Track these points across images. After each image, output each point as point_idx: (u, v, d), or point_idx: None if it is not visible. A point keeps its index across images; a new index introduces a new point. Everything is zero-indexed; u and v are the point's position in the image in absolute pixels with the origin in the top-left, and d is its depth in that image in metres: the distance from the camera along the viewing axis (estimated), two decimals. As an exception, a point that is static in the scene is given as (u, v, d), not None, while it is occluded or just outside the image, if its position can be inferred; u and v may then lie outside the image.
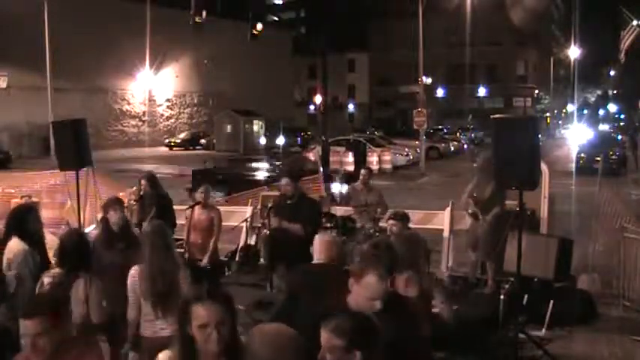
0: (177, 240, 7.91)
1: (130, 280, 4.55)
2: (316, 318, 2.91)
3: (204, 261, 7.25)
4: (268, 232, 7.85)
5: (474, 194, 8.40)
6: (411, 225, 7.09)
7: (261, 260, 9.49)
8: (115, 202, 5.82)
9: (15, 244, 4.96)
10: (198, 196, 7.46)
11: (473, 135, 46.60)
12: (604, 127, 63.99)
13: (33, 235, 5.06)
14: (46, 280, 4.31)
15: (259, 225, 10.25)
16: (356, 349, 2.63)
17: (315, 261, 4.62)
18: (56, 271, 4.36)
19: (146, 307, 4.50)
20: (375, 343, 2.74)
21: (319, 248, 4.62)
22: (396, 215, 6.87)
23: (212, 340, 2.55)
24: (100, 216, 10.85)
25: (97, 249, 5.65)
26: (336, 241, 4.77)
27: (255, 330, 2.76)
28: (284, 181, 7.26)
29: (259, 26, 19.48)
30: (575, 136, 45.32)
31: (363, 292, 3.01)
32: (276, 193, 10.02)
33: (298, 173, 7.75)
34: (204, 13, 17.92)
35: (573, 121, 64.49)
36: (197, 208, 7.44)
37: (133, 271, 4.57)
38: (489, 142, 7.44)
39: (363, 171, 9.55)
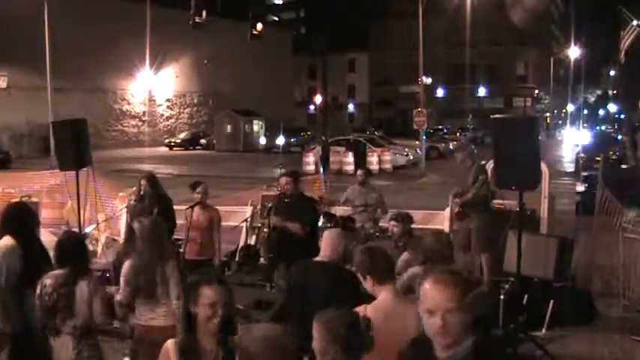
0: (178, 240, 7.92)
1: (124, 269, 4.76)
2: (312, 314, 2.95)
3: (216, 262, 7.27)
4: (268, 232, 7.83)
5: (458, 190, 8.38)
6: (412, 225, 7.10)
7: (261, 260, 9.50)
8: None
9: (2, 242, 4.97)
10: (196, 195, 7.43)
11: (473, 135, 46.60)
12: (599, 128, 64.04)
13: (24, 234, 5.04)
14: (48, 281, 4.28)
15: (259, 225, 10.25)
16: (337, 345, 2.76)
17: (321, 256, 4.62)
18: (57, 272, 4.33)
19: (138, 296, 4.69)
20: (359, 344, 2.83)
21: (327, 243, 4.63)
22: (398, 216, 6.87)
23: (216, 317, 2.92)
24: (101, 216, 10.88)
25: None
26: (344, 237, 4.80)
27: (245, 330, 2.81)
28: (283, 180, 7.26)
29: (259, 26, 19.51)
30: (571, 138, 44.93)
31: (421, 306, 2.45)
32: (276, 192, 10.04)
33: (298, 173, 7.72)
34: (204, 13, 17.92)
35: (571, 123, 64.42)
36: (197, 209, 7.43)
37: (128, 261, 4.77)
38: (489, 142, 7.44)
39: (359, 171, 9.54)
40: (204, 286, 2.99)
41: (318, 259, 4.62)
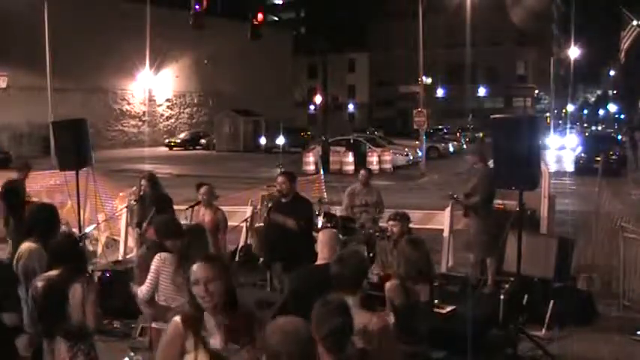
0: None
1: (157, 263, 5.11)
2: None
3: None
4: (263, 230, 7.79)
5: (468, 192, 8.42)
6: (411, 225, 7.10)
7: (260, 260, 9.49)
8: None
9: (26, 245, 4.93)
10: (200, 196, 7.39)
11: (473, 135, 46.59)
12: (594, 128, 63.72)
13: (49, 237, 5.00)
14: (39, 283, 4.19)
15: (260, 225, 10.24)
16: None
17: (320, 257, 4.60)
18: (50, 274, 4.22)
19: (173, 291, 4.99)
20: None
21: (323, 244, 4.62)
22: (397, 216, 6.88)
23: (206, 295, 2.96)
24: (101, 216, 10.86)
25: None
26: (338, 237, 4.82)
27: (271, 324, 2.82)
28: (280, 179, 7.27)
29: (260, 16, 19.68)
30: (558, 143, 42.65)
31: None
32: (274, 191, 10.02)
33: (293, 174, 7.72)
34: (204, 8, 17.99)
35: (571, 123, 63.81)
36: (201, 209, 7.37)
37: (164, 255, 5.13)
38: (489, 142, 7.44)
39: (362, 172, 9.51)
40: (193, 264, 3.04)
41: (319, 262, 4.60)
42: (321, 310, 3.06)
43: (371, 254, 8.08)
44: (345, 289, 3.60)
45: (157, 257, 5.18)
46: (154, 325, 5.01)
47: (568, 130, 51.08)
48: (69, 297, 4.13)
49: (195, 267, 3.02)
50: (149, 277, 5.16)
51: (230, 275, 3.12)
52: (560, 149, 39.56)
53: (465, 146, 40.37)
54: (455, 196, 8.60)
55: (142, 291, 5.22)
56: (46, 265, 4.44)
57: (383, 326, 3.48)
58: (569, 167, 28.02)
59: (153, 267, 5.16)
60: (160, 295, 5.15)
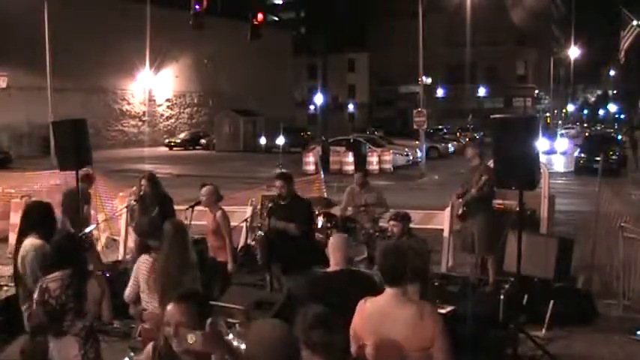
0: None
1: (136, 264, 5.18)
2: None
3: (230, 266, 7.07)
4: (262, 233, 7.77)
5: (460, 191, 8.43)
6: (411, 225, 7.10)
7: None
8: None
9: (29, 242, 4.92)
10: (201, 197, 7.34)
11: (473, 135, 46.59)
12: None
13: (49, 234, 5.01)
14: (53, 285, 4.18)
15: (259, 225, 10.23)
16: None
17: (332, 263, 4.55)
18: (58, 274, 4.24)
19: (146, 293, 5.05)
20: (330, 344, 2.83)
21: (335, 249, 4.59)
22: (397, 216, 6.88)
23: (170, 339, 2.82)
24: (101, 216, 10.87)
25: None
26: (349, 241, 4.80)
27: (252, 325, 2.80)
28: (278, 182, 7.24)
29: (260, 16, 19.78)
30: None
31: None
32: (275, 193, 10.02)
33: (291, 175, 7.68)
34: (204, 8, 18.03)
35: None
36: (206, 211, 7.32)
37: (145, 257, 5.16)
38: (489, 142, 7.43)
39: (357, 175, 9.50)
40: (170, 302, 2.90)
41: (332, 268, 4.55)
42: (308, 310, 3.00)
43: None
44: (387, 282, 3.60)
45: (139, 258, 5.30)
46: (143, 325, 5.16)
47: (559, 132, 50.11)
48: (87, 294, 4.21)
49: (169, 306, 2.86)
50: (131, 277, 5.27)
51: (207, 315, 2.91)
52: (549, 153, 39.16)
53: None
54: (459, 198, 8.57)
55: (125, 292, 5.32)
56: (49, 263, 4.46)
57: (435, 315, 3.47)
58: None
59: (134, 268, 5.28)
60: (141, 297, 5.24)
